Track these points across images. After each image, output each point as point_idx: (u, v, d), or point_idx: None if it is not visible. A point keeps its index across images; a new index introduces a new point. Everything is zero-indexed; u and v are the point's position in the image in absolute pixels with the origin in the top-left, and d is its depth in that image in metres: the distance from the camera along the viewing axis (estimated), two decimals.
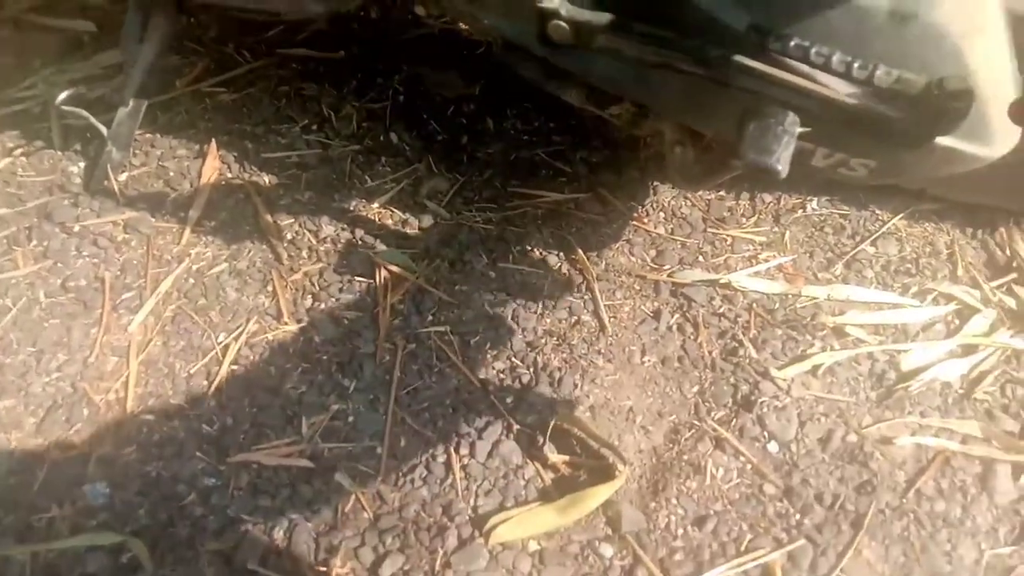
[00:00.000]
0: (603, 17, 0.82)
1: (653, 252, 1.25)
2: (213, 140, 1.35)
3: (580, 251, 1.23)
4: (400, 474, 1.00)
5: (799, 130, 0.72)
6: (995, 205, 1.26)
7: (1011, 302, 1.17)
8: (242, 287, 1.18)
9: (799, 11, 0.76)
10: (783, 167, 0.70)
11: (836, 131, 0.78)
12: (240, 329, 1.13)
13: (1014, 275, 1.21)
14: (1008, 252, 1.25)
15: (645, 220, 1.28)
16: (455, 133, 1.40)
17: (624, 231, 1.27)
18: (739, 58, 0.76)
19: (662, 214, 1.29)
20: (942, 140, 0.79)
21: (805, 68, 0.74)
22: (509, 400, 1.07)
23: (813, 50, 0.71)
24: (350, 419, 1.05)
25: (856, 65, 0.70)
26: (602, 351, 1.13)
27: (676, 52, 0.80)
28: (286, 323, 1.13)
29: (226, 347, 1.11)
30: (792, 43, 0.72)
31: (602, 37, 0.84)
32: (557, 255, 1.24)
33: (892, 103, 0.73)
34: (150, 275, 1.19)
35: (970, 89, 0.67)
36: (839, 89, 0.74)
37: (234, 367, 1.10)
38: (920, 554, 0.95)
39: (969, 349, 1.13)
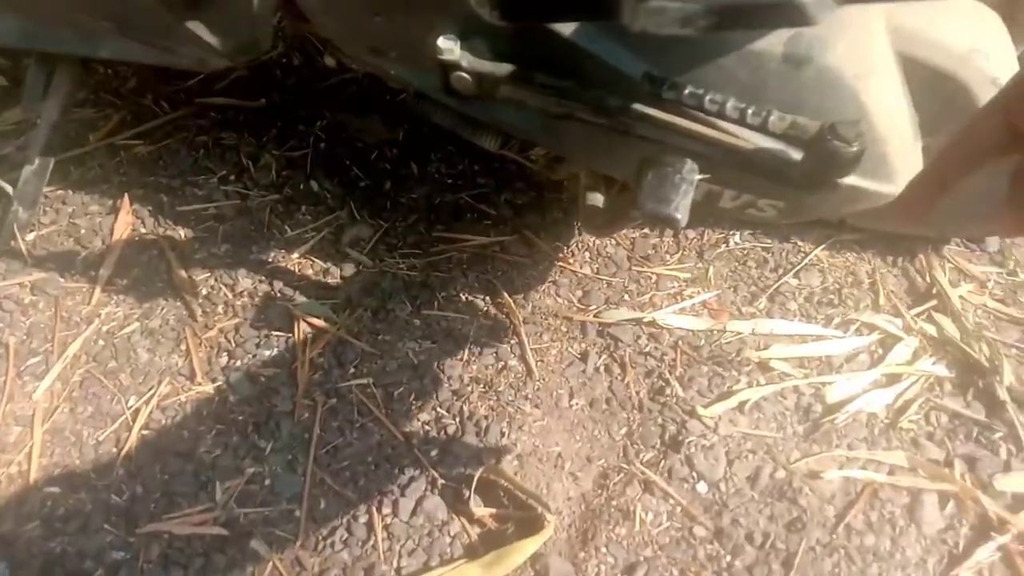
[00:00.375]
0: (504, 68, 0.81)
1: (579, 292, 1.24)
2: (126, 195, 1.31)
3: (506, 294, 1.22)
4: (320, 538, 0.97)
5: (698, 177, 0.72)
6: (914, 233, 1.29)
7: (931, 329, 1.19)
8: (154, 347, 1.14)
9: (693, 59, 0.76)
10: (682, 216, 0.69)
11: (738, 175, 0.78)
12: (151, 392, 1.09)
13: (934, 302, 1.23)
14: (928, 279, 1.27)
15: (571, 260, 1.28)
16: (378, 179, 1.38)
17: (550, 272, 1.26)
18: (637, 106, 0.76)
19: (587, 254, 1.29)
20: (845, 180, 0.79)
21: (701, 116, 0.74)
22: (434, 453, 1.04)
23: (707, 97, 0.71)
24: (267, 482, 1.01)
25: (750, 111, 0.70)
26: (529, 396, 1.11)
27: (577, 102, 0.79)
28: (200, 383, 1.09)
29: (136, 411, 1.07)
30: (686, 91, 0.71)
31: (504, 88, 0.83)
32: (483, 299, 1.22)
33: (788, 147, 0.73)
34: (58, 338, 1.14)
35: (862, 132, 0.68)
36: (736, 135, 0.74)
37: (145, 432, 1.05)
38: None
39: (893, 378, 1.13)
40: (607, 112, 0.78)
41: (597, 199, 0.94)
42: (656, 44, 0.78)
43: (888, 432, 1.09)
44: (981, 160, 0.50)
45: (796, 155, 0.74)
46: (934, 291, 1.25)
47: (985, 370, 1.14)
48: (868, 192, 0.84)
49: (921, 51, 0.78)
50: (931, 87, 0.80)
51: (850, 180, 0.81)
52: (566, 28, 0.79)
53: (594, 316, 1.20)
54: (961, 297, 1.24)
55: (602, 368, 1.15)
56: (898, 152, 0.82)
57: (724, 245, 1.30)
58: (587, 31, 0.79)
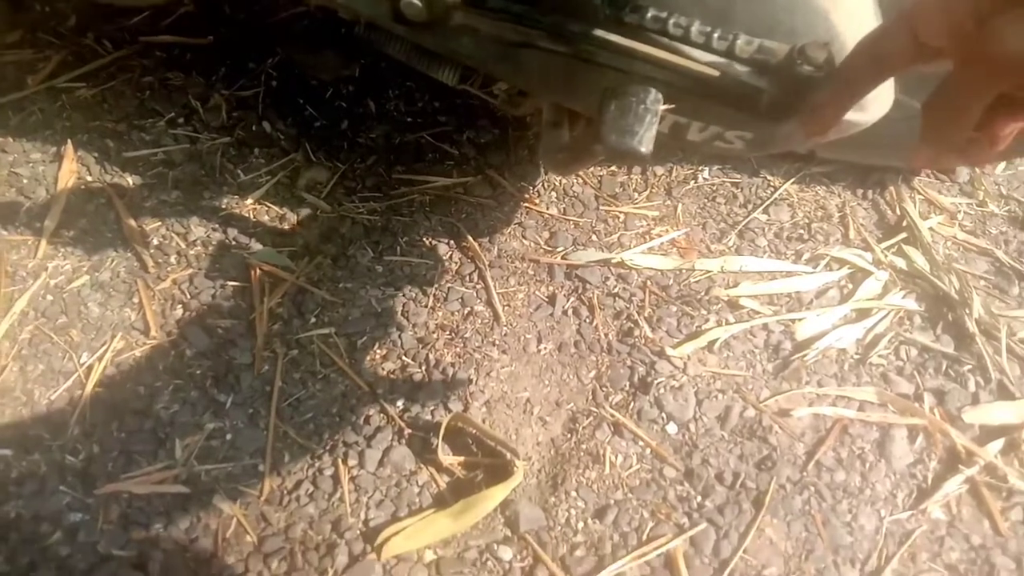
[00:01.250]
0: None
1: (546, 234, 1.21)
2: (70, 141, 1.24)
3: (471, 238, 1.18)
4: (284, 492, 0.94)
5: (663, 107, 0.68)
6: (884, 164, 1.26)
7: (901, 263, 1.17)
8: (105, 301, 1.09)
9: None
10: (646, 148, 0.66)
11: (705, 105, 0.74)
12: (104, 347, 1.04)
13: (904, 235, 1.21)
14: (898, 211, 1.25)
15: (537, 201, 1.24)
16: (334, 118, 1.32)
17: (516, 214, 1.22)
18: (600, 33, 0.72)
19: (554, 194, 1.25)
20: None
21: (665, 41, 0.69)
22: (400, 402, 1.02)
23: (671, 21, 0.67)
24: (228, 437, 0.98)
25: (716, 35, 0.66)
26: (497, 342, 1.09)
27: (534, 28, 0.75)
28: (154, 337, 1.05)
29: (90, 368, 1.02)
30: (649, 14, 0.67)
31: (457, 14, 0.78)
32: (447, 243, 1.19)
33: (756, 74, 0.69)
34: (3, 294, 1.08)
35: (832, 55, 0.64)
36: (702, 61, 0.70)
37: (99, 390, 1.01)
38: (822, 528, 0.94)
39: (863, 313, 1.12)
40: (567, 39, 0.73)
41: (560, 135, 0.90)
42: None
43: (858, 368, 1.08)
44: (887, 69, 0.51)
45: (764, 82, 0.70)
46: (904, 223, 1.24)
47: (954, 303, 1.13)
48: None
49: None
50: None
51: None
52: None
53: (561, 258, 1.17)
54: (931, 229, 1.23)
55: (570, 311, 1.12)
56: None
57: (693, 181, 1.27)
58: None
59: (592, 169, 1.27)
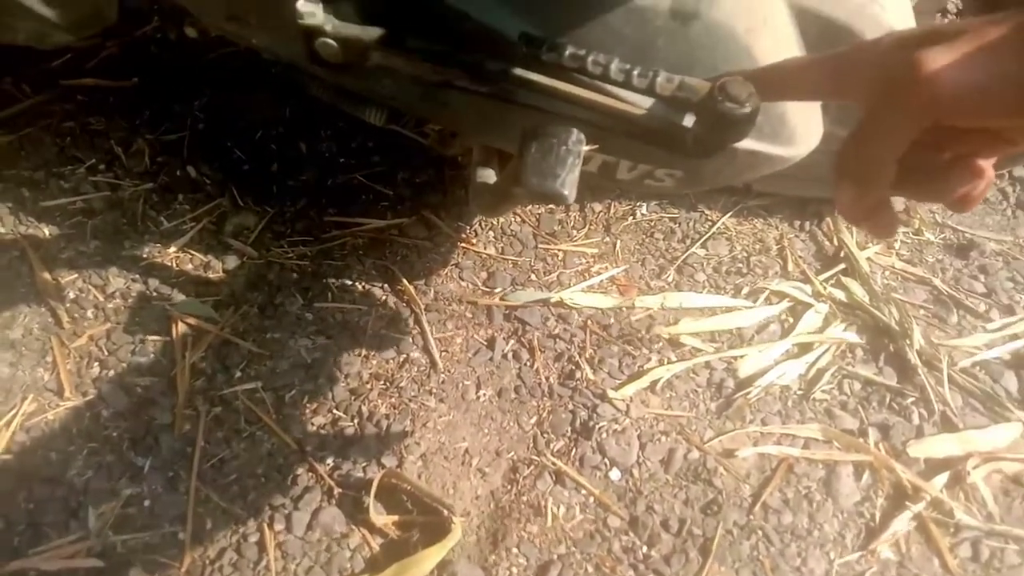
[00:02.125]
0: (373, 32, 0.73)
1: (484, 275, 1.17)
2: None
3: (406, 281, 1.14)
4: (207, 562, 0.88)
5: (586, 148, 0.65)
6: (819, 196, 1.26)
7: (841, 294, 1.17)
8: (17, 360, 1.02)
9: (574, 16, 0.70)
10: (569, 192, 0.63)
11: (631, 144, 0.72)
12: (14, 411, 0.98)
13: (842, 266, 1.21)
14: (836, 242, 1.25)
15: (474, 241, 1.21)
16: (263, 161, 1.28)
17: (452, 255, 1.19)
18: (517, 71, 0.69)
19: (491, 233, 1.22)
20: (743, 144, 0.74)
21: (585, 79, 0.67)
22: (330, 460, 0.96)
23: (590, 59, 0.64)
24: (146, 503, 0.92)
25: (636, 73, 0.64)
26: (434, 390, 1.04)
27: (454, 68, 0.72)
28: (69, 398, 0.99)
29: None
30: (567, 52, 0.65)
31: (375, 55, 0.75)
32: (381, 287, 1.15)
33: (679, 111, 0.67)
34: None
35: (753, 91, 0.62)
36: (623, 100, 0.68)
37: (7, 457, 0.94)
38: (771, 574, 0.91)
39: (805, 348, 1.11)
40: (486, 78, 0.70)
41: (488, 175, 0.87)
42: (536, 2, 0.71)
43: (802, 404, 1.06)
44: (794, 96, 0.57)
45: (688, 119, 0.68)
46: (842, 254, 1.23)
47: (895, 334, 1.12)
48: (768, 156, 0.79)
49: (813, 1, 0.73)
50: (826, 39, 0.75)
51: (747, 144, 0.77)
52: None
53: (500, 299, 1.14)
54: (869, 259, 1.22)
55: (510, 355, 1.09)
56: (797, 112, 0.78)
57: (631, 217, 1.25)
58: None
59: (530, 207, 1.24)
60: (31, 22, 0.89)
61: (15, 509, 0.91)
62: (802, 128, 0.79)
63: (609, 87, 0.70)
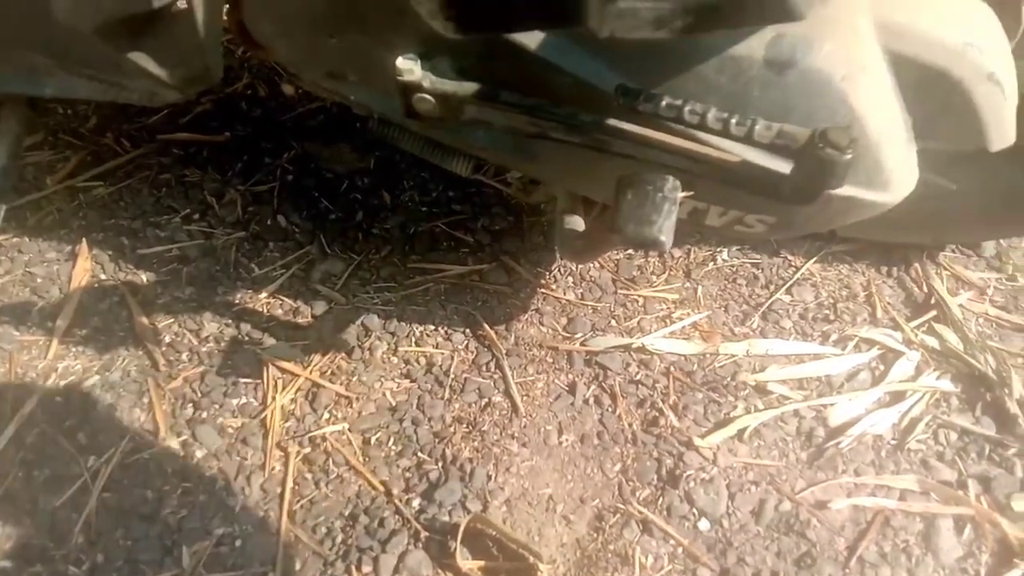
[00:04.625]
0: (469, 87, 0.76)
1: (564, 320, 1.18)
2: (84, 240, 1.25)
3: (487, 326, 1.16)
4: None
5: (681, 195, 0.66)
6: (907, 242, 1.23)
7: (933, 342, 1.13)
8: (115, 401, 1.07)
9: (668, 68, 0.71)
10: (666, 238, 0.64)
11: (724, 190, 0.72)
12: (112, 450, 1.02)
13: (934, 313, 1.17)
14: (925, 288, 1.21)
15: (553, 287, 1.22)
16: (349, 210, 1.32)
17: (532, 300, 1.20)
18: (612, 122, 0.71)
19: (571, 279, 1.23)
20: (839, 190, 0.74)
21: (681, 128, 0.68)
22: (416, 503, 0.97)
23: (687, 108, 0.66)
24: (237, 543, 0.94)
25: (734, 121, 0.65)
26: (516, 434, 1.05)
27: (548, 120, 0.74)
28: (164, 438, 1.02)
29: (96, 472, 0.99)
30: (664, 103, 0.66)
31: (471, 109, 0.78)
32: (463, 332, 1.16)
33: (776, 158, 0.68)
34: (11, 397, 1.06)
35: (855, 138, 0.62)
36: (726, 147, 0.69)
37: (105, 495, 0.98)
38: None
39: (897, 396, 1.08)
40: (581, 129, 0.72)
41: (575, 222, 0.89)
42: (628, 53, 0.73)
43: (896, 454, 1.03)
44: None
45: (785, 166, 0.68)
46: (932, 301, 1.20)
47: (992, 383, 1.08)
48: (863, 202, 0.79)
49: (911, 48, 0.73)
50: (924, 86, 0.75)
51: (843, 190, 0.76)
52: (532, 41, 0.74)
53: (580, 344, 1.14)
54: (961, 306, 1.19)
55: (591, 400, 1.08)
56: (892, 157, 0.77)
57: (712, 263, 1.25)
58: (554, 43, 0.74)
59: (608, 254, 1.25)
60: (145, 81, 0.95)
61: (113, 545, 0.94)
62: (897, 174, 0.78)
63: (703, 135, 0.71)
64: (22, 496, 0.98)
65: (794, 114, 0.72)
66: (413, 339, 1.15)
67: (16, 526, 0.95)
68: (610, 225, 0.66)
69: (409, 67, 0.76)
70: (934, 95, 0.75)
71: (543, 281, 1.22)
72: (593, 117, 0.71)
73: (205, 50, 0.89)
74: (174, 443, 1.02)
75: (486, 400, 1.08)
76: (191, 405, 1.06)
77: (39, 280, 1.21)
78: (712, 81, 0.72)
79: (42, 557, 0.93)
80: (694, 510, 0.97)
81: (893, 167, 0.77)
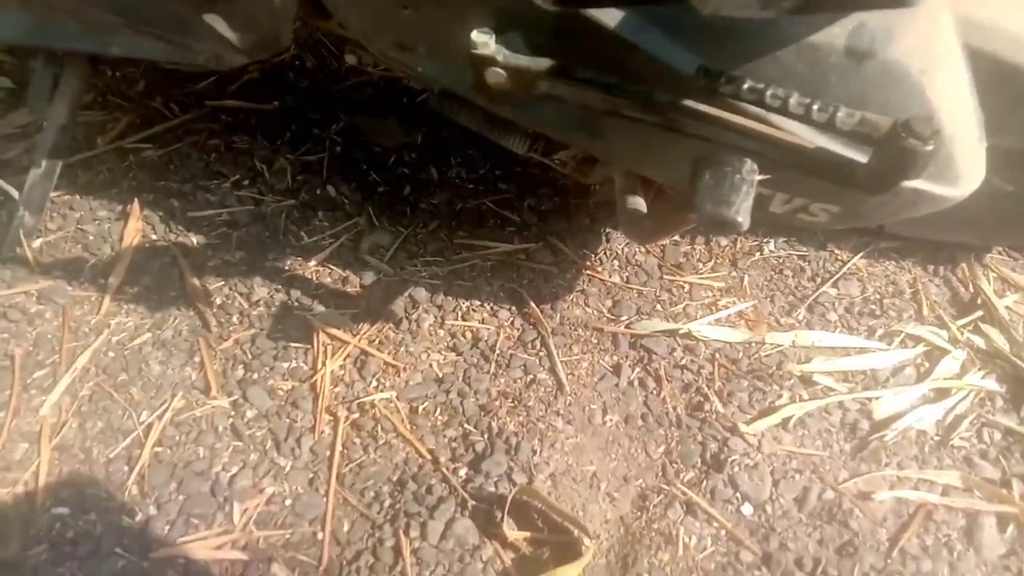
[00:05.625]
0: (543, 63, 0.76)
1: (609, 302, 1.19)
2: (136, 200, 1.26)
3: (533, 304, 1.17)
4: (344, 562, 0.91)
5: (758, 178, 0.67)
6: (955, 241, 1.23)
7: (979, 341, 1.13)
8: (167, 359, 1.08)
9: (748, 52, 0.71)
10: (743, 219, 0.64)
11: (797, 177, 0.73)
12: (164, 406, 1.03)
13: (980, 312, 1.17)
14: (971, 288, 1.21)
15: (599, 269, 1.22)
16: (397, 184, 1.33)
17: (578, 281, 1.21)
18: (690, 103, 0.71)
19: (616, 262, 1.23)
20: (909, 183, 0.74)
21: (760, 111, 0.68)
22: (463, 472, 0.99)
23: (768, 92, 0.66)
24: (287, 502, 0.96)
25: (816, 107, 0.65)
26: (561, 412, 1.06)
27: (623, 98, 0.74)
28: (215, 397, 1.04)
29: (149, 427, 1.01)
30: (745, 86, 0.66)
31: (543, 84, 0.78)
32: (509, 309, 1.17)
33: (855, 146, 0.68)
34: (65, 350, 1.08)
35: (937, 129, 0.62)
36: (798, 133, 0.69)
37: (158, 449, 1.00)
38: None
39: (942, 393, 1.08)
40: (656, 108, 0.72)
41: (638, 203, 0.89)
42: (707, 36, 0.73)
43: (939, 450, 1.03)
44: None
45: (861, 155, 0.69)
46: (979, 301, 1.20)
47: None
48: (931, 195, 0.79)
49: (990, 43, 0.73)
50: (999, 82, 0.75)
51: (914, 183, 0.76)
52: (609, 19, 0.74)
53: (626, 327, 1.15)
54: (1008, 307, 1.19)
55: (636, 382, 1.09)
56: (963, 153, 0.77)
57: (759, 253, 1.25)
58: (632, 22, 0.74)
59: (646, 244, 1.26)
60: (213, 44, 0.95)
61: (166, 498, 0.96)
62: (966, 169, 0.78)
63: (777, 120, 0.71)
64: (77, 446, 1.00)
65: (870, 104, 0.72)
66: (460, 313, 1.16)
67: (72, 475, 0.97)
68: (683, 205, 0.66)
69: (484, 40, 0.76)
70: (1009, 92, 0.76)
71: (589, 263, 1.23)
72: (669, 96, 0.72)
73: (278, 16, 0.89)
74: (225, 402, 1.04)
75: (531, 377, 1.09)
76: (242, 366, 1.07)
77: (91, 237, 1.22)
78: (790, 67, 0.72)
79: (97, 506, 0.95)
80: (738, 494, 0.98)
81: (964, 162, 0.77)
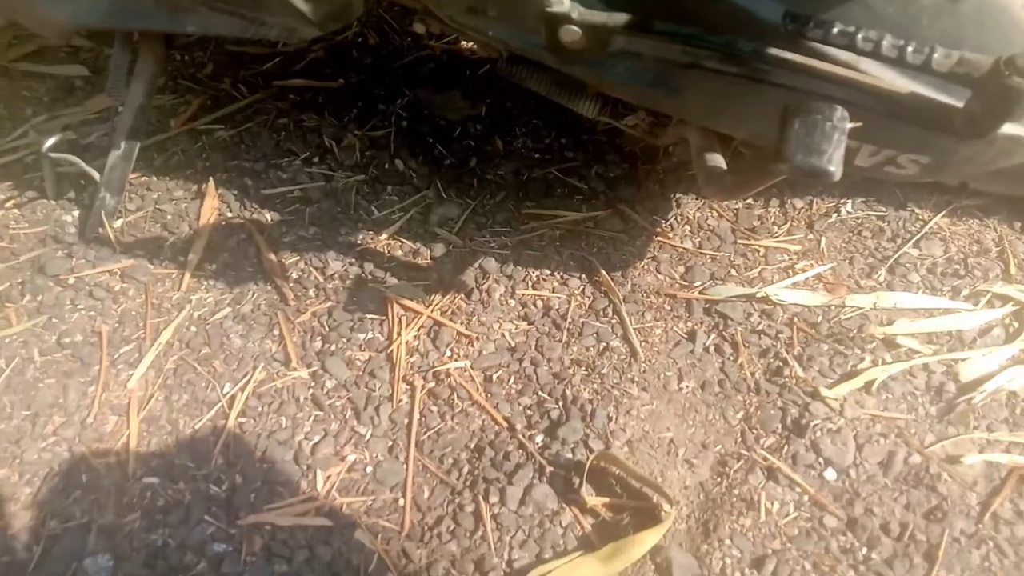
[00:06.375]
0: (620, 18, 0.75)
1: (682, 268, 1.17)
2: (211, 179, 1.29)
3: (603, 272, 1.16)
4: (426, 528, 0.92)
5: (850, 126, 0.64)
6: None
7: None
8: (247, 332, 1.11)
9: None
10: (836, 168, 0.62)
11: (888, 126, 0.70)
12: (247, 378, 1.06)
13: None
14: None
15: (670, 235, 1.21)
16: (463, 156, 1.33)
17: (648, 248, 1.19)
18: (775, 51, 0.69)
19: (687, 227, 1.22)
20: (1005, 128, 0.71)
21: (850, 57, 0.66)
22: (539, 439, 0.99)
23: (859, 36, 0.64)
24: (368, 470, 0.97)
25: (910, 49, 0.62)
26: (635, 379, 1.05)
27: (704, 50, 0.72)
28: (295, 368, 1.06)
29: (232, 398, 1.04)
30: (835, 30, 0.64)
31: (620, 39, 0.77)
32: (579, 278, 1.16)
33: (951, 90, 0.65)
34: (149, 325, 1.12)
35: None
36: (889, 78, 0.67)
37: (242, 420, 1.02)
38: None
39: None
40: (740, 59, 0.71)
41: (717, 159, 0.87)
42: None
43: None
44: None
45: (959, 99, 0.66)
46: None
47: None
48: None
49: None
50: None
51: (1010, 128, 0.73)
52: None
53: (699, 293, 1.13)
54: None
55: (712, 348, 1.08)
56: None
57: (836, 214, 1.22)
58: None
59: (728, 202, 1.23)
60: (286, 18, 0.96)
61: (251, 467, 0.98)
62: None
63: (867, 66, 0.68)
64: (164, 418, 1.03)
65: (965, 45, 0.69)
66: (530, 283, 1.15)
67: (160, 446, 1.00)
68: (774, 155, 0.64)
69: None
70: None
71: (659, 229, 1.22)
72: (753, 45, 0.70)
73: None
74: (305, 374, 1.06)
75: (604, 344, 1.09)
76: (320, 338, 1.09)
77: (169, 217, 1.26)
78: (879, 10, 0.69)
79: (185, 476, 0.98)
80: (820, 459, 0.96)
81: None
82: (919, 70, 0.63)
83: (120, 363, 1.08)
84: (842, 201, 1.23)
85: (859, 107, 0.68)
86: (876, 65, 0.67)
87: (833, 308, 1.09)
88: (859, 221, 1.21)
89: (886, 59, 0.63)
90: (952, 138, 0.69)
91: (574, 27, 0.77)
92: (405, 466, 0.97)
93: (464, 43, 1.50)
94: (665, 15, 0.74)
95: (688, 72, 0.76)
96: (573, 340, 1.09)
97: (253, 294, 1.15)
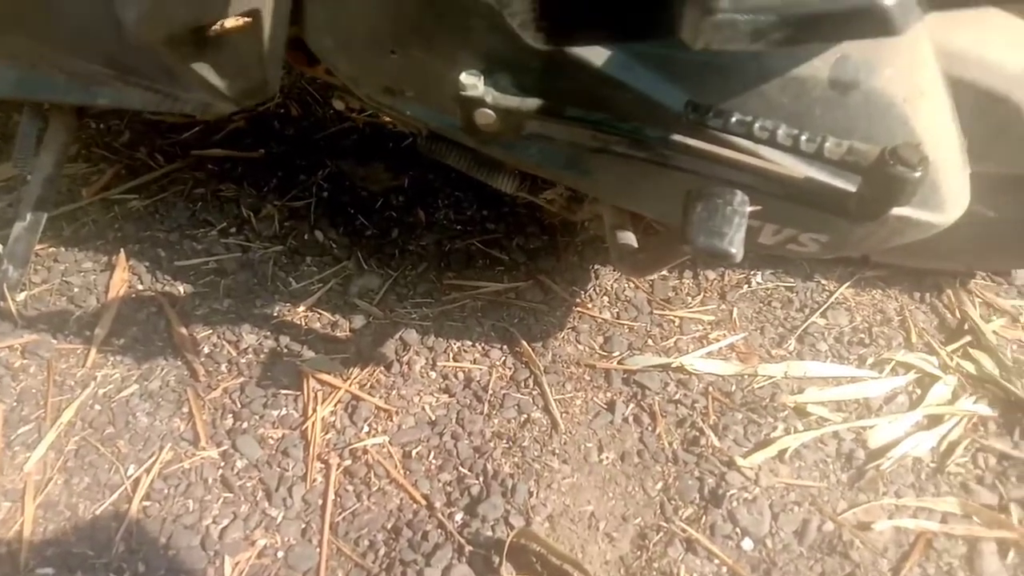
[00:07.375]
0: (532, 103, 0.77)
1: (600, 339, 1.18)
2: (122, 250, 1.25)
3: (524, 342, 1.16)
4: None
5: (750, 209, 0.67)
6: (940, 268, 1.25)
7: (969, 367, 1.14)
8: (154, 410, 1.07)
9: (736, 86, 0.72)
10: (737, 250, 0.64)
11: (786, 207, 0.74)
12: (152, 459, 1.01)
13: (968, 338, 1.18)
14: (958, 315, 1.22)
15: (589, 305, 1.22)
16: (384, 227, 1.33)
17: (568, 318, 1.21)
18: (679, 138, 0.72)
19: (606, 298, 1.24)
20: (896, 210, 0.75)
21: (748, 144, 0.69)
22: (459, 517, 0.97)
23: (757, 125, 0.67)
24: (279, 554, 0.93)
25: (804, 138, 0.66)
26: (556, 451, 1.05)
27: (612, 135, 0.75)
28: (204, 448, 1.02)
29: (137, 481, 0.99)
30: (734, 119, 0.67)
31: (533, 123, 0.79)
32: (501, 348, 1.17)
33: (844, 175, 0.69)
34: (51, 404, 1.07)
35: (926, 156, 0.64)
36: (787, 164, 0.70)
37: (146, 503, 0.97)
38: None
39: (935, 420, 1.08)
40: (645, 144, 0.74)
41: (629, 237, 0.90)
42: (693, 72, 0.74)
43: (936, 477, 1.03)
44: None
45: (848, 184, 0.70)
46: (966, 327, 1.21)
47: None
48: (918, 222, 0.80)
49: (971, 72, 0.75)
50: (981, 110, 0.76)
51: (901, 210, 0.77)
52: (596, 58, 0.75)
53: (618, 363, 1.14)
54: (995, 332, 1.20)
55: (631, 418, 1.09)
56: (948, 180, 0.78)
57: (747, 285, 1.26)
58: (618, 59, 0.75)
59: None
60: (201, 93, 0.96)
61: (155, 554, 0.93)
62: (951, 195, 0.80)
63: (765, 152, 0.72)
64: (62, 503, 0.97)
65: (855, 135, 0.73)
66: (451, 354, 1.15)
67: (57, 533, 0.95)
68: (679, 237, 0.66)
69: (473, 82, 0.77)
70: (992, 119, 0.77)
71: (579, 300, 1.23)
72: (658, 132, 0.73)
73: (266, 63, 0.90)
74: (214, 453, 1.02)
75: (525, 416, 1.08)
76: (231, 416, 1.06)
77: (76, 289, 1.21)
78: (775, 100, 0.73)
79: (83, 565, 0.92)
80: (737, 529, 0.97)
81: (948, 189, 0.79)
82: (812, 158, 0.67)
83: (16, 444, 1.03)
84: (752, 272, 1.27)
85: (759, 191, 0.72)
86: (774, 151, 0.70)
87: (746, 377, 1.12)
88: (769, 292, 1.25)
89: (782, 147, 0.67)
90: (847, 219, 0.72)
91: (488, 111, 0.79)
92: (319, 550, 0.93)
93: (385, 116, 1.52)
94: (576, 102, 0.77)
95: (598, 155, 0.78)
96: (494, 412, 1.09)
97: (162, 370, 1.11)
